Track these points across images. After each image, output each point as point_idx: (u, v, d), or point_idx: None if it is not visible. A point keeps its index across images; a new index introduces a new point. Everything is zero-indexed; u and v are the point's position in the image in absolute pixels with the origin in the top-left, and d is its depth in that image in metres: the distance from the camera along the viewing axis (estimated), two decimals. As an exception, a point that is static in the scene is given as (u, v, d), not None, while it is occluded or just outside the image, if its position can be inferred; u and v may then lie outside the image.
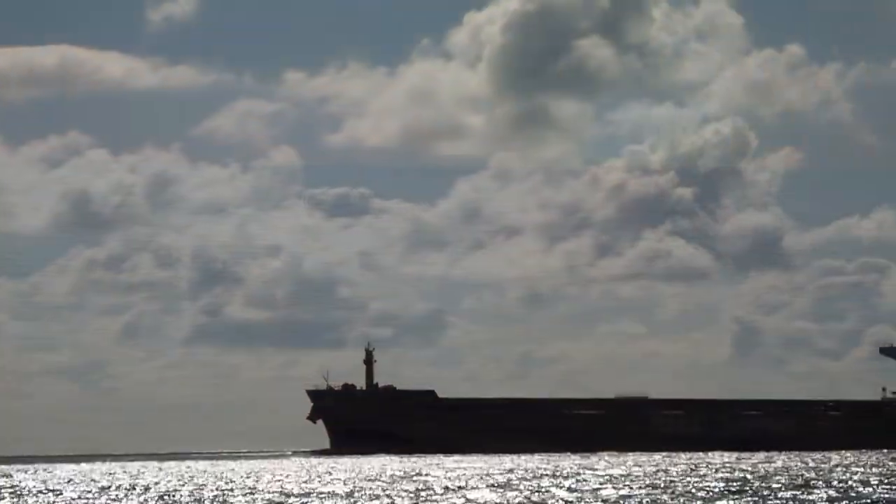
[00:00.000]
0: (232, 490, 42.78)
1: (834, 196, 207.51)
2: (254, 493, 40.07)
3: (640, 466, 65.74)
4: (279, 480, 51.08)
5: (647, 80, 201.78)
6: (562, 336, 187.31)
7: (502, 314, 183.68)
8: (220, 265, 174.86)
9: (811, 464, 68.58)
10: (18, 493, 44.37)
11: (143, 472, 66.93)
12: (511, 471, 60.05)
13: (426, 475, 54.19)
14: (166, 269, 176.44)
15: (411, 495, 36.97)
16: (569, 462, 75.03)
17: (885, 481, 46.82)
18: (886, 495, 35.63)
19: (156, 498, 38.59)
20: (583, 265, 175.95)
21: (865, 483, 43.62)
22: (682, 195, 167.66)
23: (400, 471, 60.77)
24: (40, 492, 44.83)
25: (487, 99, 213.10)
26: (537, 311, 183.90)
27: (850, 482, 44.13)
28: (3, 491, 45.60)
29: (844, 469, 62.10)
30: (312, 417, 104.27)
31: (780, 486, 41.70)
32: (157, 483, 50.92)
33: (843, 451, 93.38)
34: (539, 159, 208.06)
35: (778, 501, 32.92)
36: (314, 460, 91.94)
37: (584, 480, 47.65)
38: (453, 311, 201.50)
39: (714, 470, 58.89)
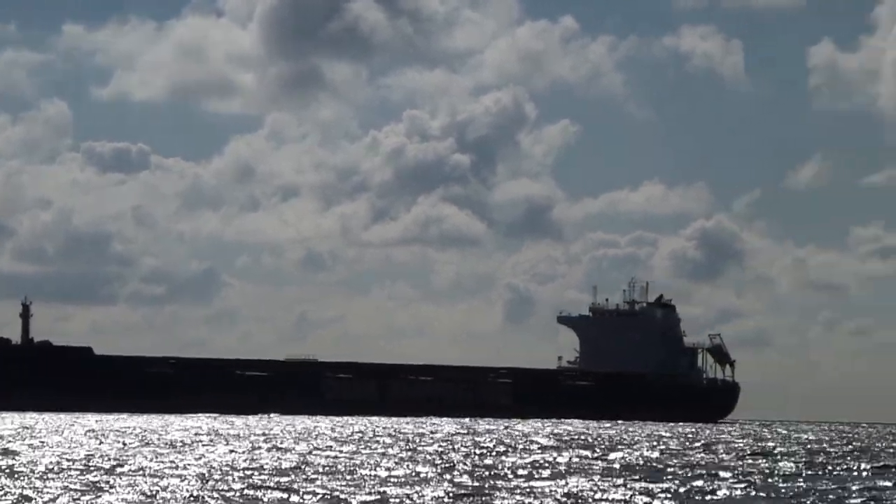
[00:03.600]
0: None
1: (604, 169, 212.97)
2: None
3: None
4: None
5: (419, 46, 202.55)
6: (337, 299, 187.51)
7: (278, 275, 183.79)
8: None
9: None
10: None
11: None
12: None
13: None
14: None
15: None
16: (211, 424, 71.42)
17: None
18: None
19: None
20: (358, 228, 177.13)
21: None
22: (458, 162, 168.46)
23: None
24: None
25: (259, 58, 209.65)
26: (313, 274, 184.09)
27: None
28: None
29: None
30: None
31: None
32: None
33: (512, 420, 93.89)
34: (314, 121, 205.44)
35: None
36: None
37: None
38: (228, 271, 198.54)
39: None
